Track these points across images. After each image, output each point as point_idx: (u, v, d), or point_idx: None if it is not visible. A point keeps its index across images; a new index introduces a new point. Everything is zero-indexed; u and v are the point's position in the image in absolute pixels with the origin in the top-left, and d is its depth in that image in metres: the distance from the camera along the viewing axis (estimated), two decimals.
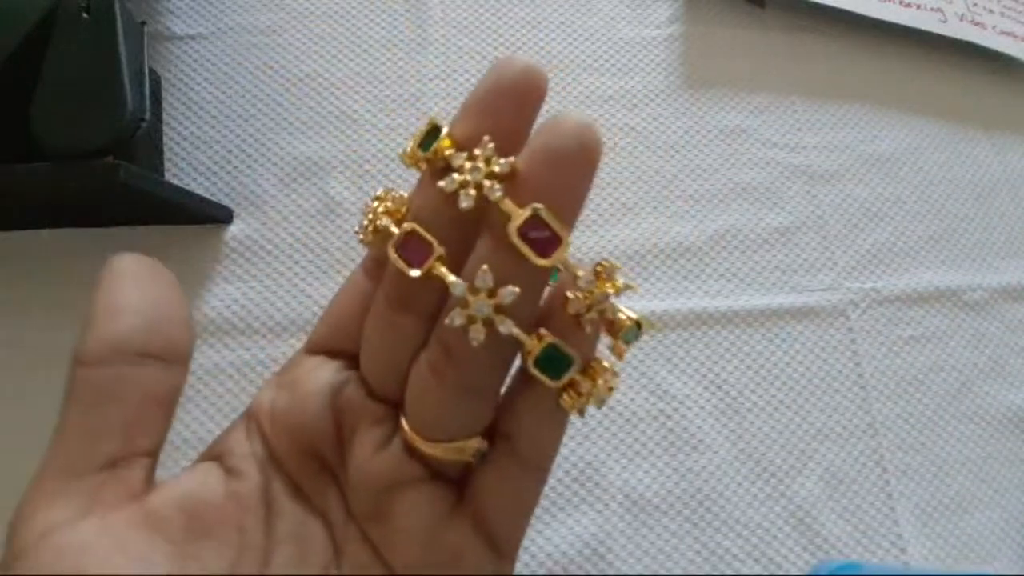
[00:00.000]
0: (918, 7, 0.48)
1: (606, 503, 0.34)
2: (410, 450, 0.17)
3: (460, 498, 0.17)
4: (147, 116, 0.31)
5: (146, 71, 0.33)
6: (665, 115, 0.43)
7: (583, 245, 0.39)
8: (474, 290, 0.14)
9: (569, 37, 0.44)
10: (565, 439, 0.35)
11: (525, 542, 0.33)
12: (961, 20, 0.48)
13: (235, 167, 0.38)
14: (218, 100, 0.39)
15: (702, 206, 0.41)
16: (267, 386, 0.19)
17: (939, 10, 0.48)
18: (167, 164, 0.37)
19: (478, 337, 0.14)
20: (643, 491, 0.35)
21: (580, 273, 0.14)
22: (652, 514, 0.34)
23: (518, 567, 0.32)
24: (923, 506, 0.37)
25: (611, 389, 0.16)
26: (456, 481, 0.17)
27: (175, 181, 0.37)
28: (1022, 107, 0.49)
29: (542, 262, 0.13)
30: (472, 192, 0.14)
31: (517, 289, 0.14)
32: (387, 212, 0.16)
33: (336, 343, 0.19)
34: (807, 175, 0.43)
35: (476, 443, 0.16)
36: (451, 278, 0.14)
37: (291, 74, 0.40)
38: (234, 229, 0.37)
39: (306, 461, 0.17)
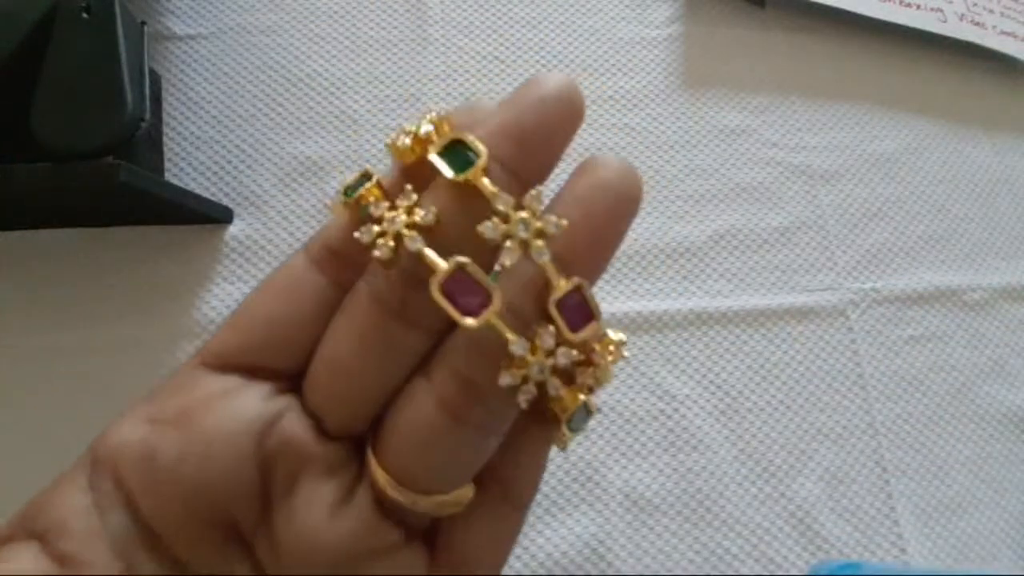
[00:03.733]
0: (918, 7, 0.48)
1: (606, 503, 0.34)
2: (381, 507, 0.13)
3: (433, 553, 0.14)
4: (147, 116, 0.31)
5: (146, 71, 0.33)
6: (665, 115, 0.43)
7: None
8: (535, 350, 0.13)
9: (569, 37, 0.44)
10: None
11: (525, 542, 0.33)
12: (961, 20, 0.48)
13: (235, 167, 0.38)
14: (218, 100, 0.39)
15: (702, 206, 0.41)
16: (128, 419, 0.14)
17: (939, 10, 0.48)
18: (167, 164, 0.37)
19: (528, 397, 0.13)
20: (643, 491, 0.35)
21: (597, 347, 0.14)
22: (652, 514, 0.34)
23: (518, 567, 0.32)
24: (923, 506, 0.37)
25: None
26: (425, 534, 0.14)
27: (175, 181, 0.37)
28: (1022, 107, 0.49)
29: (574, 337, 0.13)
30: (516, 248, 0.12)
31: (575, 352, 0.13)
32: (415, 227, 0.13)
33: (262, 356, 0.14)
34: (807, 175, 0.43)
35: (469, 491, 0.14)
36: (510, 335, 0.12)
37: (291, 74, 0.40)
38: (234, 229, 0.37)
39: (203, 532, 0.13)
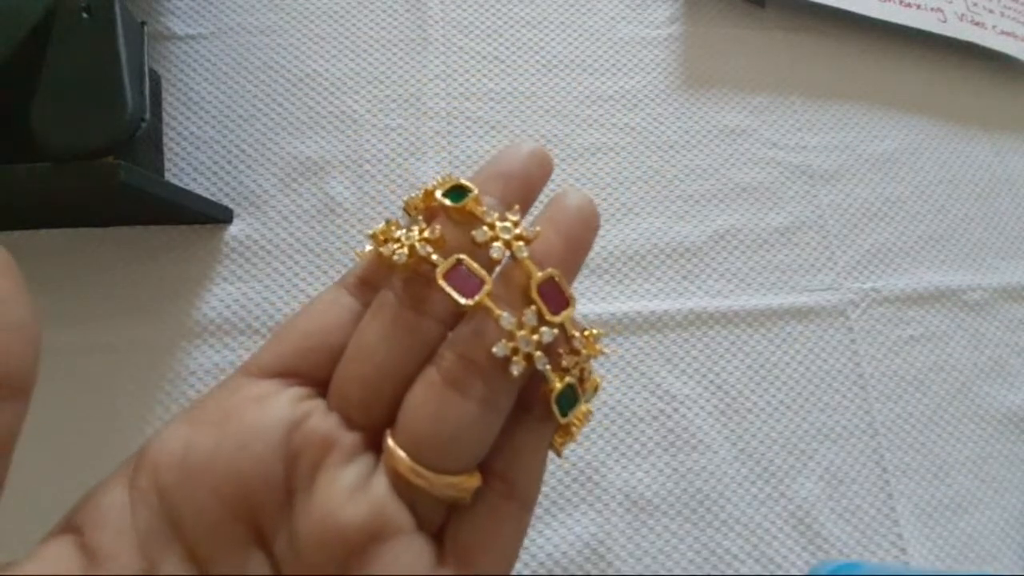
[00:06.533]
0: (918, 7, 0.48)
1: (606, 503, 0.34)
2: (399, 489, 0.14)
3: (440, 550, 0.15)
4: (147, 116, 0.31)
5: (146, 71, 0.33)
6: (665, 115, 0.43)
7: None
8: (521, 325, 0.15)
9: (569, 37, 0.44)
10: None
11: (525, 542, 0.33)
12: (961, 20, 0.48)
13: (235, 167, 0.38)
14: (218, 100, 0.39)
15: (702, 206, 0.41)
16: (173, 424, 0.15)
17: (939, 10, 0.48)
18: (167, 164, 0.37)
19: (519, 368, 0.15)
20: (643, 491, 0.35)
21: (576, 334, 0.16)
22: (652, 514, 0.34)
23: (518, 567, 0.32)
24: (923, 506, 0.37)
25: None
26: (434, 534, 0.15)
27: (175, 181, 0.37)
28: (1022, 107, 0.49)
29: (554, 319, 0.15)
30: (501, 246, 0.16)
31: (556, 330, 0.15)
32: (427, 240, 0.16)
33: (302, 365, 0.16)
34: (807, 175, 0.43)
35: (476, 479, 0.15)
36: (499, 312, 0.15)
37: (291, 74, 0.40)
38: (234, 229, 0.37)
39: (228, 527, 0.14)
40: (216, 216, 0.36)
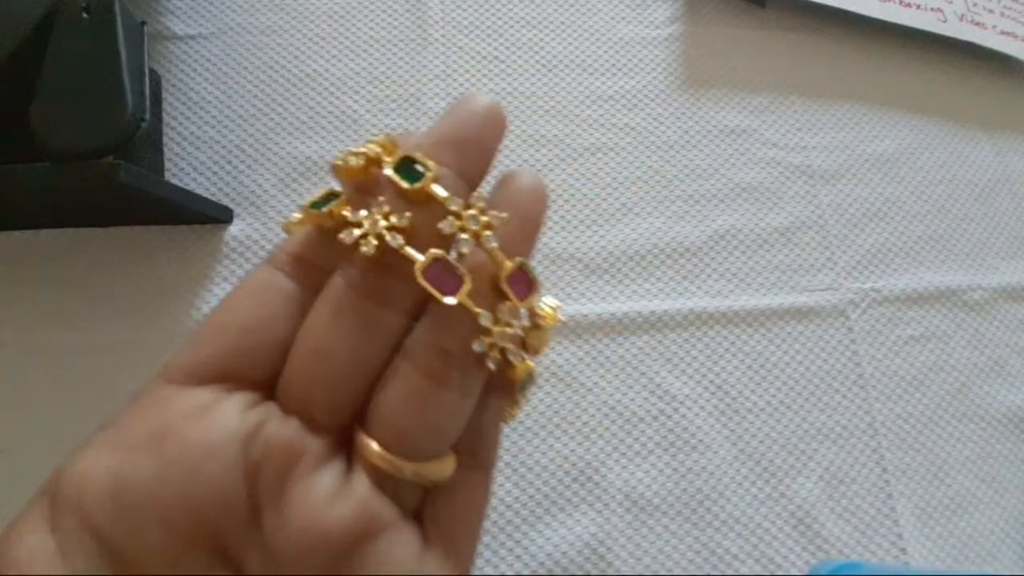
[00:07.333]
0: (918, 7, 0.48)
1: (606, 503, 0.34)
2: (379, 483, 0.14)
3: (423, 531, 0.15)
4: (147, 116, 0.31)
5: (146, 71, 0.33)
6: (665, 115, 0.43)
7: (583, 245, 0.39)
8: (497, 321, 0.15)
9: (569, 37, 0.44)
10: (565, 439, 0.36)
11: (525, 542, 0.33)
12: (961, 20, 0.48)
13: (235, 167, 0.38)
14: (218, 100, 0.39)
15: (702, 206, 0.41)
16: (90, 451, 0.13)
17: (939, 10, 0.48)
18: (167, 164, 0.37)
19: (495, 361, 0.15)
20: (643, 491, 0.35)
21: (540, 313, 0.17)
22: (652, 514, 0.34)
23: (518, 567, 0.32)
24: (923, 506, 0.37)
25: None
26: (415, 512, 0.15)
27: (175, 181, 0.37)
28: (1022, 107, 0.49)
29: (522, 304, 0.15)
30: (470, 239, 0.15)
31: (526, 321, 0.16)
32: (394, 228, 0.14)
33: (239, 366, 0.14)
34: (807, 175, 0.43)
35: (454, 459, 0.15)
36: (479, 310, 0.15)
37: (291, 74, 0.40)
38: (234, 229, 0.37)
39: (189, 558, 0.12)
40: (216, 216, 0.36)
